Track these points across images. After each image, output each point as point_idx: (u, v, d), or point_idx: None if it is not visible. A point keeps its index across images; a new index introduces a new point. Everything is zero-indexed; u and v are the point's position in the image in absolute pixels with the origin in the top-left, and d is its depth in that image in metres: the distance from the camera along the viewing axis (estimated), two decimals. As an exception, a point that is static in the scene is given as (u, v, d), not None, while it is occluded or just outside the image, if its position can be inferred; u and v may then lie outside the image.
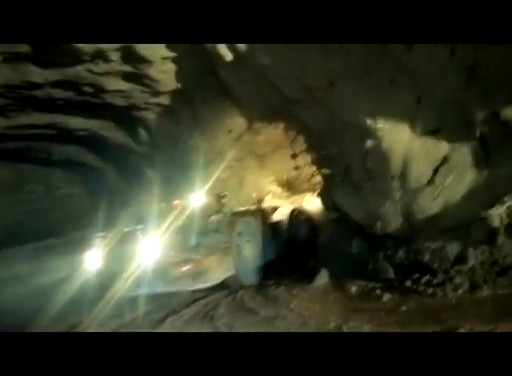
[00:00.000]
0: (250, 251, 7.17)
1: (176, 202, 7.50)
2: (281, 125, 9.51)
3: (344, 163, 6.60)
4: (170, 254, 6.01)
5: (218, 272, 6.19)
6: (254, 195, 9.10)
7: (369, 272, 5.66)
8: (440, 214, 5.14)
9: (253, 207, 8.28)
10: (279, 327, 4.53)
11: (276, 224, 8.29)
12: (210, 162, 11.39)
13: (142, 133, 10.91)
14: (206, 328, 5.06)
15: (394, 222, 5.57)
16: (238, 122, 10.49)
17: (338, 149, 6.78)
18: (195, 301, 6.54)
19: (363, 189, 6.09)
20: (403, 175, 5.37)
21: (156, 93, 8.98)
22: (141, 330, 5.53)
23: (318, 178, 9.98)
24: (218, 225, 6.62)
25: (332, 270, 6.13)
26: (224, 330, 4.79)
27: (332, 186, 6.98)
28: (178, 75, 8.39)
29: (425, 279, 4.85)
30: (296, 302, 5.30)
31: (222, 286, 6.71)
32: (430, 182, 5.18)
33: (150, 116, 10.16)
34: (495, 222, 4.61)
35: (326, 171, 6.80)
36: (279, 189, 11.34)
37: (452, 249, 4.88)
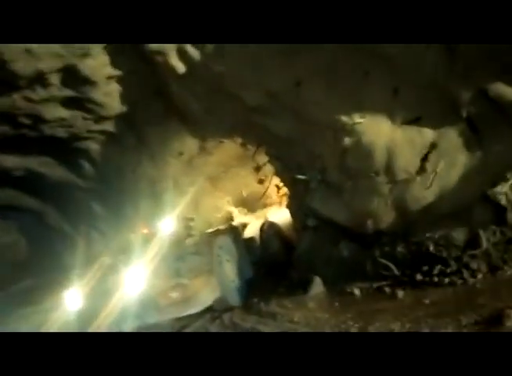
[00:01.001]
0: (231, 271, 6.73)
1: (145, 231, 6.91)
2: (238, 140, 9.21)
3: (318, 166, 6.36)
4: (156, 284, 5.47)
5: (206, 294, 5.75)
6: (219, 215, 8.63)
7: (368, 272, 5.38)
8: (436, 202, 4.99)
9: (226, 227, 7.85)
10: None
11: (249, 241, 7.89)
12: (163, 190, 10.84)
13: (86, 166, 10.08)
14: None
15: (386, 217, 5.36)
16: (189, 143, 10.02)
17: (309, 153, 6.56)
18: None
19: (344, 190, 5.86)
20: (389, 167, 5.20)
21: (100, 119, 8.32)
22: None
23: (284, 190, 9.72)
24: (197, 248, 6.13)
25: (323, 278, 5.80)
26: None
27: (307, 194, 6.70)
28: (123, 97, 7.82)
29: (437, 269, 4.63)
30: (299, 314, 4.89)
31: (202, 311, 6.20)
32: (421, 170, 5.05)
33: (94, 146, 9.40)
34: (503, 201, 4.50)
35: (299, 177, 6.49)
36: (235, 209, 10.91)
37: (459, 235, 4.73)
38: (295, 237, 8.77)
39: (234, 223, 8.28)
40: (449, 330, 3.28)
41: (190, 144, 9.97)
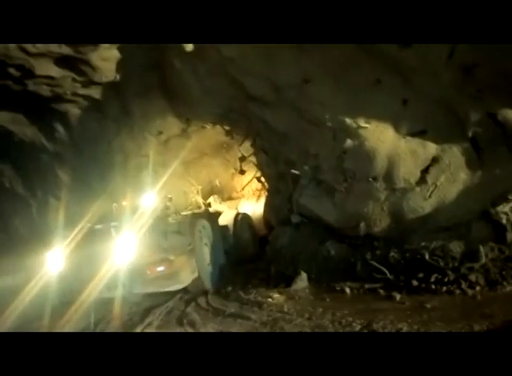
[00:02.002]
0: (208, 255, 6.73)
1: (125, 203, 6.75)
2: (222, 129, 9.19)
3: (311, 164, 6.47)
4: (145, 254, 5.37)
5: (187, 273, 5.70)
6: (194, 199, 8.57)
7: (359, 272, 5.49)
8: (434, 213, 5.18)
9: (204, 211, 7.81)
10: (288, 330, 4.19)
11: (224, 229, 7.92)
12: (137, 166, 10.58)
13: (60, 130, 9.68)
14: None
15: (380, 222, 5.53)
16: (170, 123, 9.89)
17: (302, 150, 6.68)
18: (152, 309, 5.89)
19: (337, 191, 6.01)
20: (388, 175, 5.36)
21: (89, 83, 8.04)
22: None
23: (260, 183, 9.81)
24: (179, 227, 6.07)
25: (307, 273, 5.89)
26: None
27: (295, 189, 6.81)
28: (120, 65, 7.62)
29: (434, 277, 4.76)
30: (289, 305, 4.96)
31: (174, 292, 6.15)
32: (421, 181, 5.22)
33: (74, 110, 9.06)
34: (503, 220, 4.73)
35: (293, 172, 6.55)
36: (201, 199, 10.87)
37: (455, 248, 4.92)
38: (265, 232, 8.92)
39: (211, 210, 8.26)
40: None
41: (171, 124, 9.83)
